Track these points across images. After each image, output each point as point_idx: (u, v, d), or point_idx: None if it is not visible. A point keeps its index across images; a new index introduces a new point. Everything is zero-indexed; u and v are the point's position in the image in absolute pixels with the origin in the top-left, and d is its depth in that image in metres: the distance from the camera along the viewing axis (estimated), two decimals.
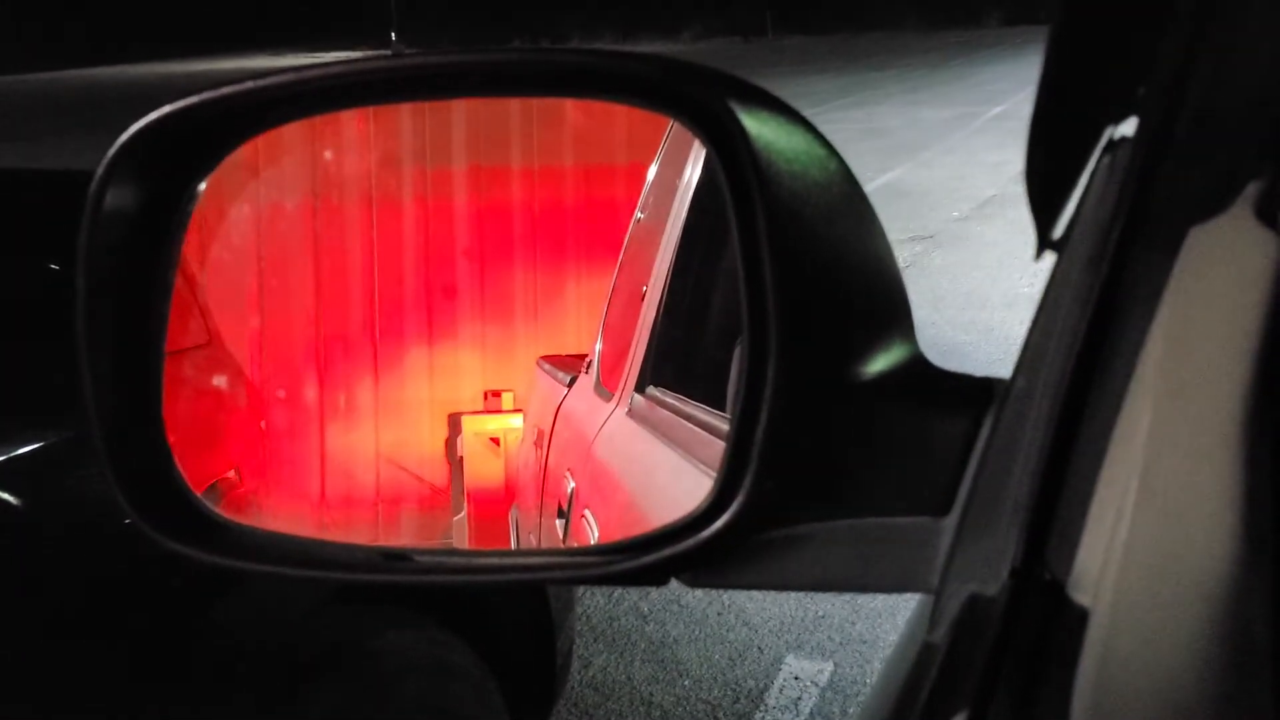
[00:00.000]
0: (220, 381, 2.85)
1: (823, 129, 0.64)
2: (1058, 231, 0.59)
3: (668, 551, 0.63)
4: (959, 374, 0.65)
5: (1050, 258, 0.60)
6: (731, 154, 0.61)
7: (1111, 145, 0.57)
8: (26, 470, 1.72)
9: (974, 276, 7.21)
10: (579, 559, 0.82)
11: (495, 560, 0.87)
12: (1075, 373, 0.49)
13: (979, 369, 0.65)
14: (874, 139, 13.25)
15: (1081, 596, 0.44)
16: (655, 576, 0.66)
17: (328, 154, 3.71)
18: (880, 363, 0.63)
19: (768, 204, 0.60)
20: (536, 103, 3.27)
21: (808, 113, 0.64)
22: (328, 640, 1.83)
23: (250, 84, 0.66)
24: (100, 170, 0.67)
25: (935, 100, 17.82)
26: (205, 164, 0.73)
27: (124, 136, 0.67)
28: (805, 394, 0.62)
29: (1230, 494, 0.41)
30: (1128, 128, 0.54)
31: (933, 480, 0.62)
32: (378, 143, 3.85)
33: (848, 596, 3.39)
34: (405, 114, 3.50)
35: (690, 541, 0.63)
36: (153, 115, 0.67)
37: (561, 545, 1.60)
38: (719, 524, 0.62)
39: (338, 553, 0.76)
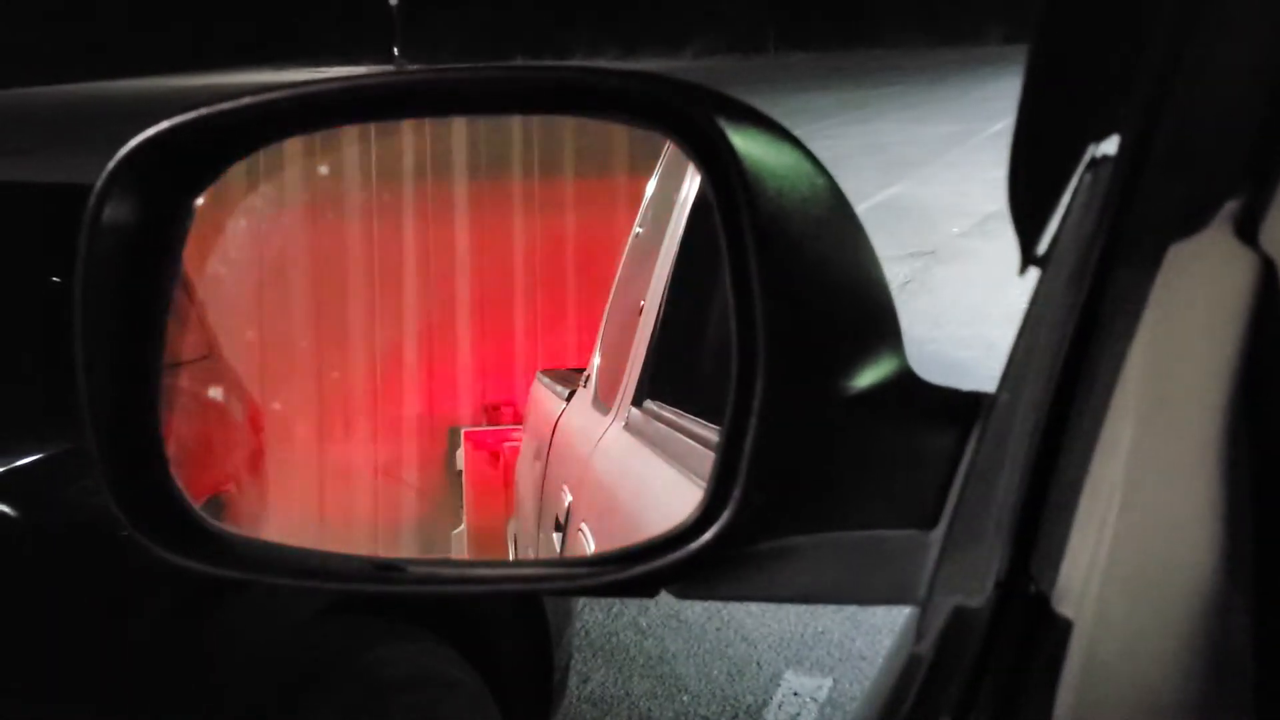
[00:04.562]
0: (219, 394, 2.86)
1: (823, 145, 0.64)
2: (1041, 248, 0.59)
3: (656, 563, 0.64)
4: (946, 388, 0.65)
5: (1036, 273, 0.61)
6: (719, 170, 0.62)
7: (1093, 163, 0.58)
8: (27, 481, 1.72)
9: (975, 292, 7.21)
10: (569, 570, 0.83)
11: (487, 571, 0.88)
12: (1058, 387, 0.50)
13: (980, 385, 0.66)
14: (874, 155, 13.27)
15: (1065, 608, 0.44)
16: (644, 588, 0.66)
17: (327, 169, 3.72)
18: (868, 376, 0.63)
19: (755, 219, 0.60)
20: (537, 117, 3.27)
21: (808, 129, 0.65)
22: (323, 653, 1.83)
23: (248, 100, 0.67)
24: (99, 184, 0.68)
25: (936, 116, 17.84)
26: (204, 179, 0.74)
27: (123, 150, 0.67)
28: (793, 407, 0.62)
29: (1210, 507, 0.42)
30: (1109, 146, 0.55)
31: (920, 493, 0.63)
32: (378, 156, 3.86)
33: (847, 612, 3.38)
34: (405, 127, 3.51)
35: (679, 553, 0.63)
36: (151, 130, 0.67)
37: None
38: (707, 536, 0.62)
39: (331, 562, 0.77)
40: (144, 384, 0.73)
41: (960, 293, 7.24)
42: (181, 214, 0.73)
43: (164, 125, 0.67)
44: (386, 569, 0.76)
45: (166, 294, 0.73)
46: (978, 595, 0.50)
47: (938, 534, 0.62)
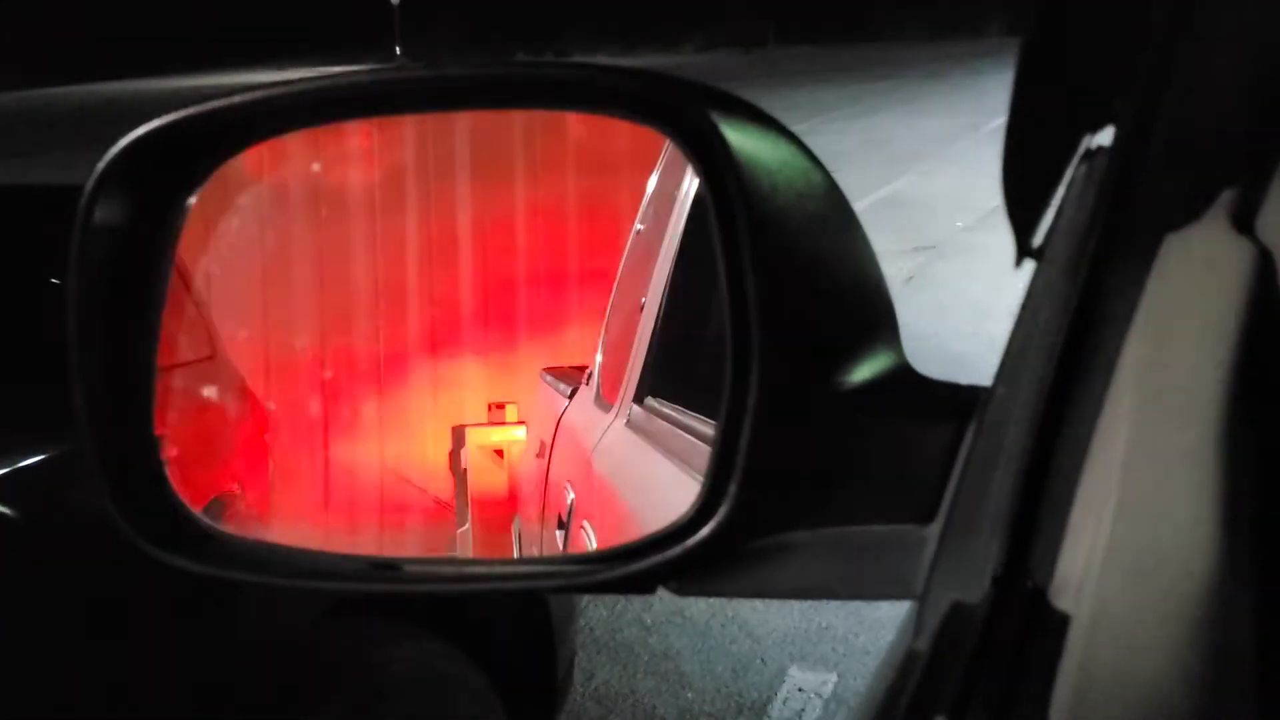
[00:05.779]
0: (224, 395, 2.86)
1: (825, 139, 0.64)
2: (1037, 240, 0.59)
3: (654, 560, 0.64)
4: (944, 382, 0.65)
5: (1032, 266, 0.61)
6: (714, 166, 0.62)
7: (1089, 155, 0.57)
8: (29, 483, 1.73)
9: (978, 286, 7.19)
10: (566, 567, 0.83)
11: (485, 569, 0.88)
12: (1055, 380, 0.50)
13: (983, 380, 0.65)
14: (877, 149, 13.23)
15: (1063, 602, 0.44)
16: (641, 584, 0.66)
17: (326, 167, 3.72)
18: (865, 371, 0.63)
19: (749, 215, 0.60)
20: (539, 114, 3.27)
21: (810, 123, 0.65)
22: (328, 654, 1.83)
23: (236, 99, 0.67)
24: (89, 184, 0.67)
25: (938, 110, 17.78)
26: (194, 178, 0.74)
27: (112, 150, 0.67)
28: (789, 403, 0.62)
29: (1209, 500, 0.42)
30: (1105, 137, 0.54)
31: (917, 488, 0.62)
32: (381, 155, 3.86)
33: (851, 607, 3.38)
34: (408, 126, 3.51)
35: (676, 550, 0.63)
36: (140, 130, 0.67)
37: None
38: (704, 532, 0.62)
39: (327, 562, 0.77)
40: (138, 385, 0.73)
41: (964, 287, 7.23)
42: (174, 213, 0.73)
43: (153, 124, 0.67)
44: (384, 568, 0.76)
45: (160, 294, 0.73)
46: (975, 590, 0.50)
47: (935, 528, 0.62)
